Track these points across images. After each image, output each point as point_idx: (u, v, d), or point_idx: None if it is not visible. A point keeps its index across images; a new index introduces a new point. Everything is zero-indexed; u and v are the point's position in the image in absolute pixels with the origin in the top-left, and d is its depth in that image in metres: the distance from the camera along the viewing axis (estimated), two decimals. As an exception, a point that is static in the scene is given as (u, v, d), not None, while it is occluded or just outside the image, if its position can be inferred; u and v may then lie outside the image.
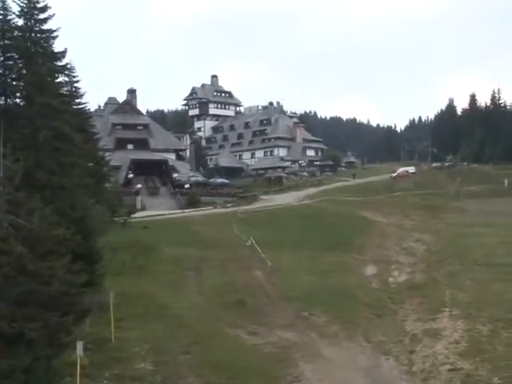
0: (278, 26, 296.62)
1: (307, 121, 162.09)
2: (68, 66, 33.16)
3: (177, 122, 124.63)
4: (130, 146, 78.69)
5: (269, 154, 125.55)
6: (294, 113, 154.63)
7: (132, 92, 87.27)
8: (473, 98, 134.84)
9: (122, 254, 37.81)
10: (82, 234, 31.48)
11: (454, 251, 40.41)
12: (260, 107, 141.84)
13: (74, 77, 46.92)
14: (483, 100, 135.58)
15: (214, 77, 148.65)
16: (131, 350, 24.21)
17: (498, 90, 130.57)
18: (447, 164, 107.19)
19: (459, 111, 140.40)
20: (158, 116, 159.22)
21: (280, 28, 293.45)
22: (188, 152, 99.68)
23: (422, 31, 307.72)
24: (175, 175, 72.68)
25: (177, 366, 22.48)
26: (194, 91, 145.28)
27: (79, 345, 20.33)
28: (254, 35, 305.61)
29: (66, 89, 45.89)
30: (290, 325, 27.00)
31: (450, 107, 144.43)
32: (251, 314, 28.62)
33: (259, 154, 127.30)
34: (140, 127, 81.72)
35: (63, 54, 30.18)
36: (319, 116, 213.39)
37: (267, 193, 79.10)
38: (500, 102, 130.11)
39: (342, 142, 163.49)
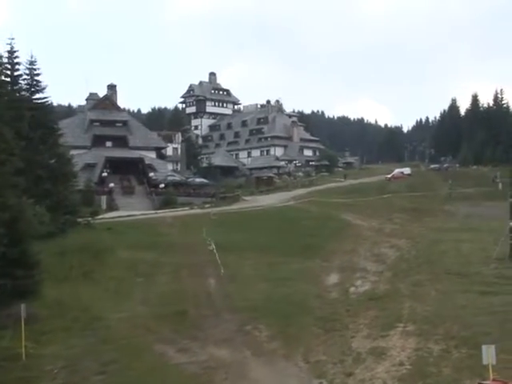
0: (287, 25, 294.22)
1: (313, 120, 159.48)
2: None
3: (171, 120, 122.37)
4: (108, 144, 76.15)
5: (265, 153, 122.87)
6: (298, 112, 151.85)
7: (112, 87, 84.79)
8: (475, 99, 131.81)
9: (71, 258, 35.70)
10: (14, 237, 29.38)
11: (427, 258, 37.88)
12: (259, 106, 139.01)
13: (35, 69, 45.41)
14: (486, 101, 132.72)
15: (212, 74, 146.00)
16: (43, 368, 22.11)
17: (501, 90, 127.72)
18: (445, 165, 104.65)
19: (463, 112, 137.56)
20: (160, 114, 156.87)
21: (288, 27, 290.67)
22: (179, 150, 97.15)
23: (432, 31, 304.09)
24: (151, 174, 70.13)
25: (85, 389, 20.32)
26: (191, 88, 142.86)
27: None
28: (260, 34, 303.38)
29: (24, 82, 44.33)
30: (227, 340, 24.76)
31: (453, 108, 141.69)
32: (189, 326, 26.45)
33: (255, 153, 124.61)
34: (119, 124, 79.06)
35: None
36: (326, 116, 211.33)
37: (253, 193, 76.62)
38: (503, 102, 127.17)
39: (347, 142, 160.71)
